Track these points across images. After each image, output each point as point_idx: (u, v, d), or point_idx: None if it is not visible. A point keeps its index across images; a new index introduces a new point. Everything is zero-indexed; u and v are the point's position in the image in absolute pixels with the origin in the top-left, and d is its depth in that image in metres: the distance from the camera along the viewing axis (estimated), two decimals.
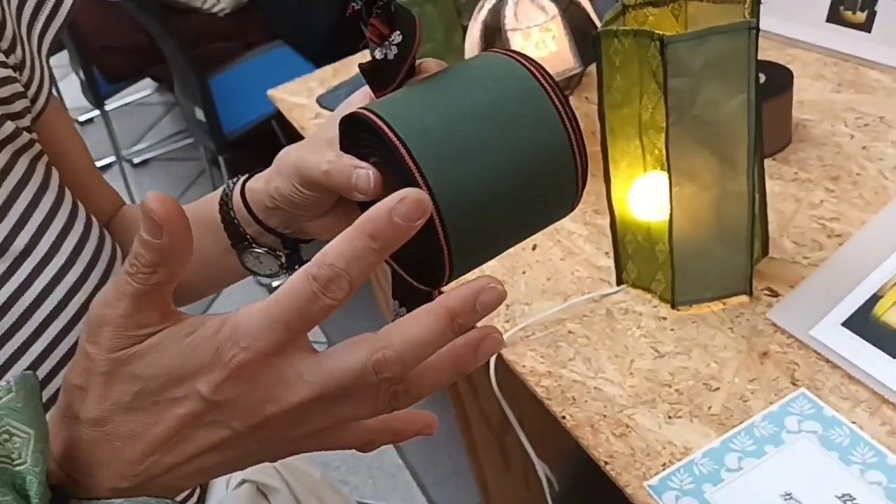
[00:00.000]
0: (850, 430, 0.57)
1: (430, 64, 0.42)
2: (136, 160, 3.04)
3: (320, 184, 0.42)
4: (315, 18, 2.08)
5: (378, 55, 0.39)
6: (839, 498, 0.54)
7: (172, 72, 2.11)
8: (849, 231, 0.74)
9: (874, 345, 0.61)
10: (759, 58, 1.03)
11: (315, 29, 2.08)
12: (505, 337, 0.72)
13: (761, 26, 1.07)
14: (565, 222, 0.85)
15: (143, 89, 3.31)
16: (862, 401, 0.59)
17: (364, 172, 0.39)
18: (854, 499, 0.53)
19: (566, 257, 0.81)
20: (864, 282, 0.65)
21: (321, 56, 1.65)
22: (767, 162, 0.85)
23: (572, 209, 0.41)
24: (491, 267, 0.82)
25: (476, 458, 1.06)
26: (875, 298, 0.64)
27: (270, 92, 1.30)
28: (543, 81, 0.38)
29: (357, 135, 0.40)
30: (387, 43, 0.39)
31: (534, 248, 0.83)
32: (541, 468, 0.76)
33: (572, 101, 0.96)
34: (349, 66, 1.30)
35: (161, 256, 0.31)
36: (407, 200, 0.30)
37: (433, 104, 0.37)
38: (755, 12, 0.61)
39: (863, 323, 0.63)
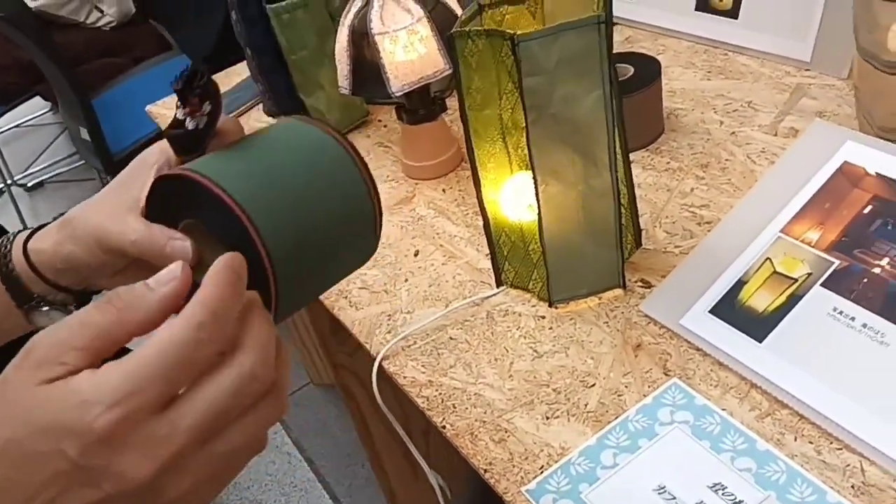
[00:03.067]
0: (721, 417, 0.58)
1: (228, 124, 0.43)
2: (31, 183, 2.91)
3: (126, 252, 0.42)
4: (211, 19, 2.02)
5: (190, 126, 0.40)
6: (710, 488, 0.54)
7: (54, 91, 2.01)
8: (718, 217, 0.75)
9: (740, 330, 0.62)
10: (631, 49, 1.05)
11: (209, 30, 2.02)
12: (386, 348, 0.71)
13: (634, 18, 1.09)
14: (446, 225, 0.84)
15: (39, 109, 3.17)
16: (731, 387, 0.60)
17: (180, 244, 0.40)
18: (725, 487, 0.54)
19: (448, 261, 0.80)
20: (729, 268, 0.66)
21: (214, 58, 1.60)
22: (641, 153, 0.86)
23: (373, 253, 0.46)
24: (373, 276, 0.80)
25: (381, 468, 1.05)
26: (740, 284, 0.65)
27: (149, 108, 1.25)
28: (343, 141, 0.43)
29: (169, 198, 0.41)
30: (198, 114, 0.40)
31: (416, 254, 0.82)
32: (432, 477, 0.75)
33: (449, 102, 0.95)
34: (231, 77, 1.26)
35: (169, 300, 0.34)
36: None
37: (252, 164, 0.40)
38: (606, 6, 0.61)
39: (729, 309, 0.63)
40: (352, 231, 0.43)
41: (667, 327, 0.65)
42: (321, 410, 1.74)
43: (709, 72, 0.96)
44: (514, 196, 0.69)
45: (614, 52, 0.94)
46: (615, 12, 1.10)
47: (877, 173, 0.64)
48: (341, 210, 0.42)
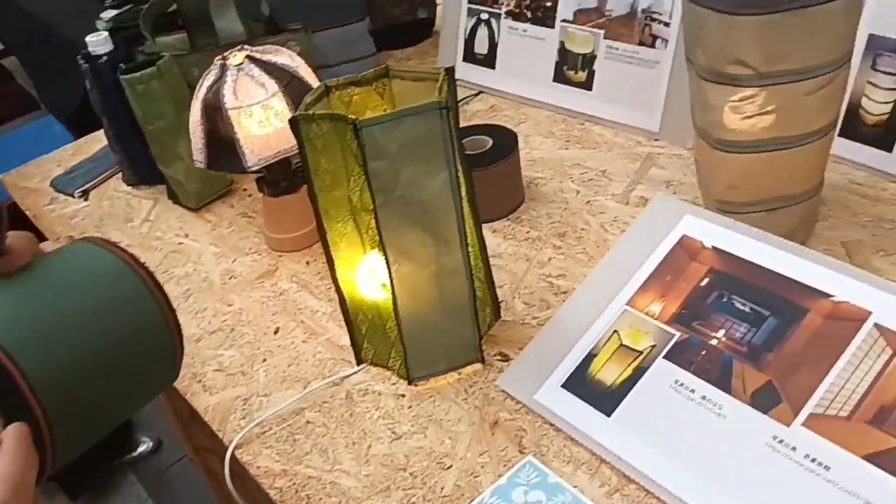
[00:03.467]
0: (573, 495, 0.58)
1: (18, 243, 0.41)
2: None
3: None
4: (76, 78, 1.95)
5: None
6: None
7: None
8: (573, 287, 0.76)
9: (590, 404, 0.63)
10: (495, 117, 1.07)
11: (74, 90, 1.94)
12: (240, 436, 0.68)
13: (498, 87, 1.12)
14: (309, 300, 0.83)
15: None
16: (583, 462, 0.61)
17: None
18: None
19: (309, 339, 0.78)
20: (581, 340, 0.67)
21: (80, 119, 1.54)
22: (503, 222, 0.87)
23: (173, 381, 0.44)
24: (230, 357, 0.77)
25: None
26: (591, 357, 0.66)
27: (2, 177, 1.19)
28: (139, 269, 0.42)
29: None
30: None
31: (276, 331, 0.80)
32: None
33: None
34: (92, 143, 1.21)
35: None
36: None
37: (28, 303, 0.39)
38: (448, 92, 0.62)
39: (580, 383, 0.64)
40: (145, 367, 0.42)
41: (522, 403, 0.66)
42: (197, 483, 1.66)
43: (567, 141, 1.00)
44: (368, 275, 0.68)
45: (476, 123, 0.96)
46: (482, 82, 1.13)
47: (713, 246, 0.67)
48: (132, 344, 0.41)
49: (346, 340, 0.76)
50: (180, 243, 0.96)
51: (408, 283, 0.66)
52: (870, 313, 0.58)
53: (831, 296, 0.60)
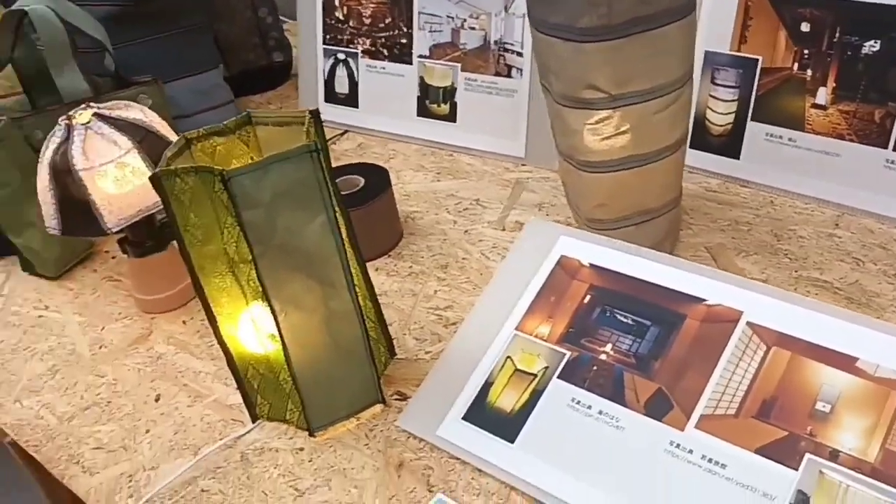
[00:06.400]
0: None
1: None
2: None
3: None
4: None
5: None
6: None
7: None
8: (462, 317, 0.77)
9: (493, 433, 0.63)
10: (363, 155, 1.07)
11: None
12: None
13: (364, 125, 1.12)
14: (189, 361, 0.79)
15: None
16: (493, 493, 0.60)
17: None
18: None
19: (194, 402, 0.74)
20: (476, 370, 0.67)
21: None
22: (384, 260, 0.87)
23: None
24: (108, 433, 0.72)
25: None
26: (487, 385, 0.66)
27: None
28: None
29: None
30: None
31: (157, 399, 0.75)
32: None
33: None
34: None
35: None
36: None
37: None
38: (317, 134, 0.61)
39: (480, 413, 0.64)
40: None
41: (426, 440, 0.65)
42: None
43: (438, 173, 1.01)
44: (254, 327, 0.66)
45: (345, 162, 0.95)
46: (346, 121, 1.13)
47: (590, 264, 0.69)
48: None
49: (234, 399, 0.73)
50: (40, 316, 0.89)
51: (298, 332, 0.64)
52: (741, 313, 0.61)
53: (704, 300, 0.63)
